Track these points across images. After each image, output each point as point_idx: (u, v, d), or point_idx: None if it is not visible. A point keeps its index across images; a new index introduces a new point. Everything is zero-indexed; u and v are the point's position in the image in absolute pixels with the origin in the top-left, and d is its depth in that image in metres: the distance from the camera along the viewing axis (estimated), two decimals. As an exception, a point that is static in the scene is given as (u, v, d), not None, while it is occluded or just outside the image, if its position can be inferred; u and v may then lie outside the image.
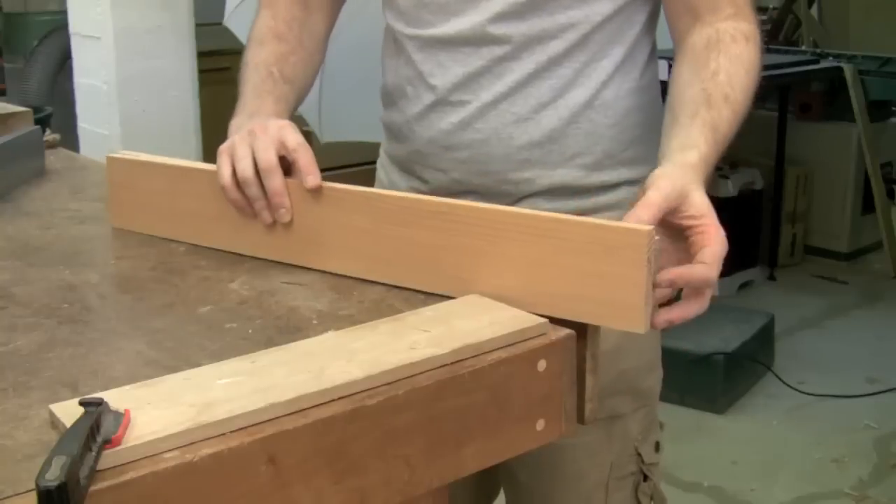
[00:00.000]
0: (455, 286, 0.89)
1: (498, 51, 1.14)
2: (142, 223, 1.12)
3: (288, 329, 0.85)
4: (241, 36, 2.41)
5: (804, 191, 4.34)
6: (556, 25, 1.13)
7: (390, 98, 1.25)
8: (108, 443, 0.61)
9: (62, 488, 0.54)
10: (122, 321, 0.90)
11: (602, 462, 1.22)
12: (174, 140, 2.81)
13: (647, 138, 1.19)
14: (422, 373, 0.74)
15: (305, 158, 0.97)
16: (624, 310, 0.82)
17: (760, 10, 5.46)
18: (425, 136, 1.20)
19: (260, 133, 1.00)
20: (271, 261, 1.01)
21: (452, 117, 1.17)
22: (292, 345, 0.79)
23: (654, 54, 1.22)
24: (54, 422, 0.67)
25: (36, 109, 2.17)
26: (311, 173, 0.97)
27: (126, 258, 1.05)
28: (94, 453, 0.60)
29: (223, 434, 0.65)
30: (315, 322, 0.86)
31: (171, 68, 2.80)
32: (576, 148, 1.16)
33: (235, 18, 2.52)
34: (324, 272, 0.98)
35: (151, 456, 0.62)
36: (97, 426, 0.62)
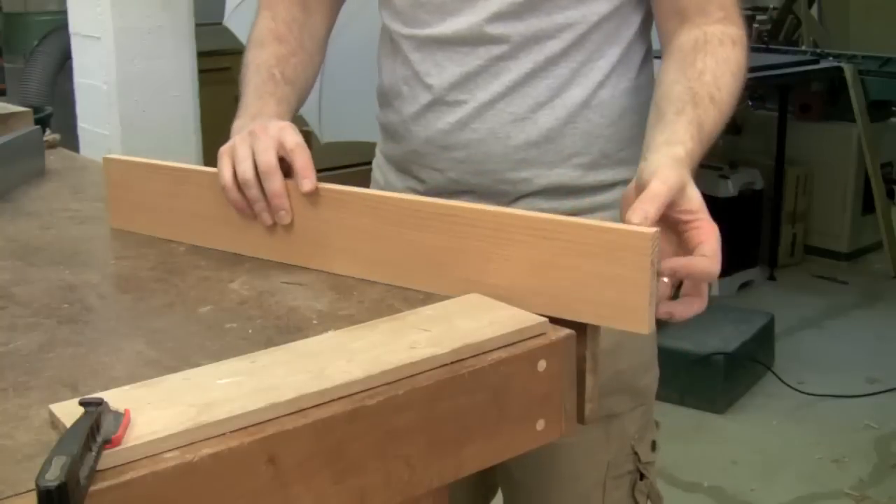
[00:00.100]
0: (458, 288, 0.89)
1: (495, 50, 1.14)
2: (141, 224, 1.12)
3: (288, 329, 0.85)
4: (241, 36, 2.41)
5: (804, 191, 4.34)
6: (553, 25, 1.13)
7: (386, 98, 1.25)
8: (108, 443, 0.61)
9: (62, 488, 0.54)
10: (122, 321, 0.90)
11: (599, 461, 1.23)
12: (174, 140, 2.81)
13: (642, 138, 1.19)
14: (422, 372, 0.74)
15: (302, 161, 0.97)
16: (628, 311, 0.82)
17: (760, 9, 5.47)
18: (422, 135, 1.20)
19: (260, 134, 1.00)
20: (272, 261, 1.01)
21: (449, 117, 1.17)
22: (292, 345, 0.79)
23: (650, 55, 1.22)
24: (54, 422, 0.67)
25: (36, 109, 2.17)
26: (306, 176, 0.96)
27: (126, 258, 1.05)
28: (94, 453, 0.60)
29: (223, 434, 0.65)
30: (315, 322, 0.86)
31: (171, 68, 2.80)
32: (573, 148, 1.16)
33: (235, 18, 2.53)
34: (324, 272, 0.98)
35: (151, 456, 0.62)
36: (97, 426, 0.62)
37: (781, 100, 4.18)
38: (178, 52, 2.81)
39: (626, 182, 1.18)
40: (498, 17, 1.12)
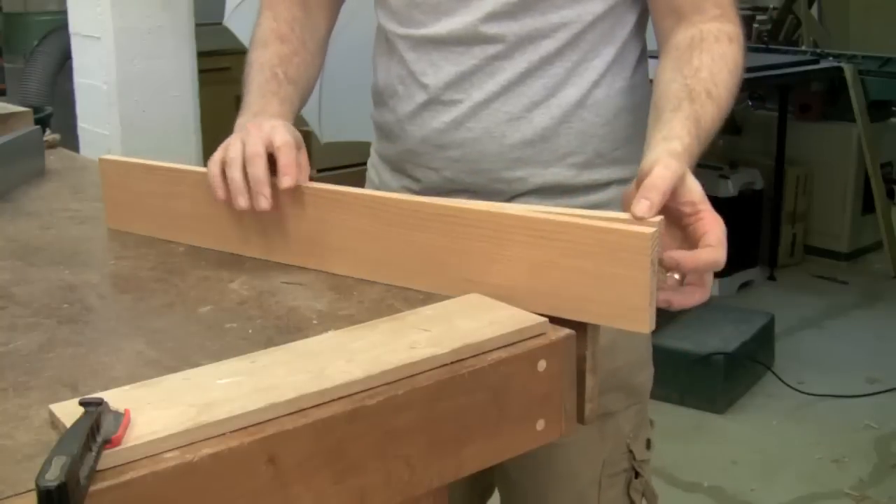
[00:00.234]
0: (459, 288, 0.89)
1: (490, 50, 1.14)
2: (137, 225, 1.12)
3: (288, 329, 0.85)
4: (241, 36, 2.41)
5: (804, 191, 4.34)
6: (548, 25, 1.13)
7: (381, 97, 1.25)
8: (108, 443, 0.61)
9: (62, 488, 0.54)
10: (122, 321, 0.90)
11: (595, 460, 1.23)
12: (174, 140, 2.81)
13: (637, 138, 1.19)
14: (422, 372, 0.74)
15: (286, 158, 0.98)
16: (628, 311, 0.82)
17: (760, 9, 5.47)
18: (417, 135, 1.20)
19: (252, 130, 1.01)
20: (272, 261, 1.01)
21: (445, 116, 1.17)
22: (292, 345, 0.79)
23: (645, 54, 1.23)
24: (54, 422, 0.67)
25: (36, 109, 2.17)
26: (287, 174, 0.97)
27: (126, 258, 1.05)
28: (94, 453, 0.60)
29: (223, 434, 0.65)
30: (315, 322, 0.86)
31: (171, 68, 2.81)
32: (567, 147, 1.17)
33: (235, 18, 2.53)
34: (324, 272, 0.98)
35: (151, 456, 0.62)
36: (97, 426, 0.62)
37: (781, 100, 4.18)
38: (178, 52, 2.81)
39: (620, 181, 1.19)
40: (493, 16, 1.13)
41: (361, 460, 0.70)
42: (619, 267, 0.82)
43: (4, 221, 1.19)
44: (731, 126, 4.35)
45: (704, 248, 0.87)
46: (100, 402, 0.64)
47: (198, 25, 2.88)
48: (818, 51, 4.60)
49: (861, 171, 4.27)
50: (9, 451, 0.64)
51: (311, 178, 1.01)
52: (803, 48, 4.94)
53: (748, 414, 3.07)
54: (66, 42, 3.03)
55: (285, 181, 0.97)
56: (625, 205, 0.91)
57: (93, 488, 0.59)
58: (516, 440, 0.79)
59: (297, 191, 0.98)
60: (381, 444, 0.71)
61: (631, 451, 1.25)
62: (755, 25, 5.24)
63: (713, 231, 0.88)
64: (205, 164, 1.04)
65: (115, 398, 0.66)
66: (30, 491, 0.58)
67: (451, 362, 0.76)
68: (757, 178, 4.11)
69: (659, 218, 0.84)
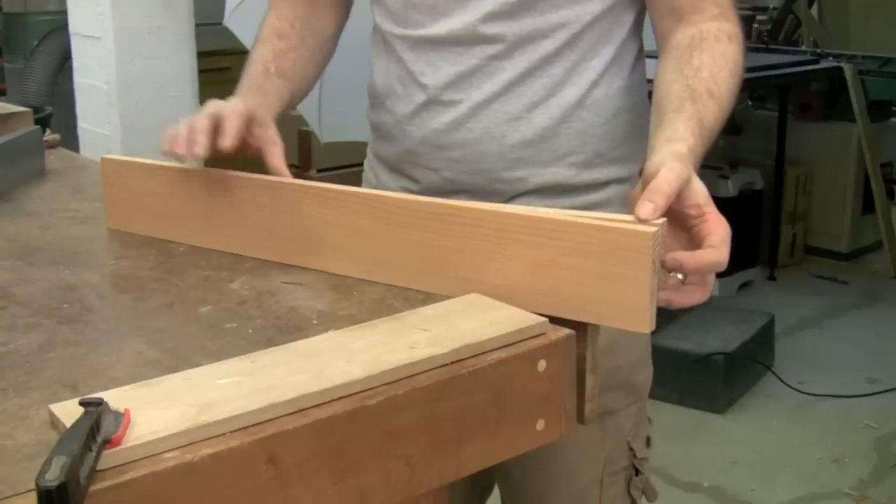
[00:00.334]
0: (458, 288, 0.89)
1: (490, 50, 1.14)
2: (138, 224, 1.12)
3: (288, 329, 0.85)
4: (241, 36, 2.41)
5: (804, 191, 4.34)
6: (547, 25, 1.13)
7: (378, 98, 1.25)
8: (108, 443, 0.61)
9: (62, 488, 0.54)
10: (122, 321, 0.90)
11: (596, 458, 1.23)
12: (174, 140, 2.81)
13: (636, 137, 1.20)
14: (422, 372, 0.74)
15: (227, 123, 1.02)
16: (629, 310, 0.82)
17: (760, 9, 5.47)
18: (417, 135, 1.20)
19: (208, 104, 1.06)
20: (272, 261, 1.01)
21: (444, 117, 1.17)
22: (292, 345, 0.79)
23: (642, 54, 1.23)
24: (54, 422, 0.67)
25: (36, 109, 2.18)
26: (225, 135, 1.02)
27: (126, 258, 1.05)
28: (94, 453, 0.60)
29: (223, 434, 0.65)
30: (315, 322, 0.86)
31: (171, 68, 2.81)
32: (567, 147, 1.17)
33: (235, 18, 2.53)
34: (324, 272, 0.98)
35: (151, 456, 0.62)
36: (97, 426, 0.62)
37: (781, 100, 4.18)
38: (178, 52, 2.81)
39: (619, 180, 1.20)
40: (492, 16, 1.13)
41: (361, 460, 0.70)
42: (619, 266, 0.81)
43: (4, 221, 1.19)
44: (731, 126, 4.35)
45: (707, 249, 0.87)
46: (100, 402, 0.64)
47: (198, 25, 2.88)
48: (818, 51, 4.60)
49: (861, 171, 4.27)
50: (9, 451, 0.64)
51: (312, 178, 1.01)
52: (803, 48, 4.94)
53: (748, 414, 3.07)
54: (66, 42, 3.03)
55: (220, 142, 1.01)
56: (630, 207, 0.91)
57: (93, 488, 0.59)
58: (516, 440, 0.79)
59: (297, 190, 0.98)
60: (381, 444, 0.71)
61: (631, 449, 1.25)
62: (755, 25, 5.24)
63: (717, 232, 0.88)
64: (204, 165, 1.05)
65: (115, 398, 0.66)
66: (30, 491, 0.58)
67: (451, 362, 0.75)
68: (757, 178, 4.11)
69: (662, 220, 0.84)
